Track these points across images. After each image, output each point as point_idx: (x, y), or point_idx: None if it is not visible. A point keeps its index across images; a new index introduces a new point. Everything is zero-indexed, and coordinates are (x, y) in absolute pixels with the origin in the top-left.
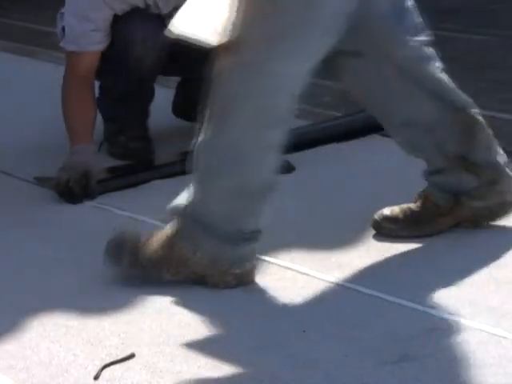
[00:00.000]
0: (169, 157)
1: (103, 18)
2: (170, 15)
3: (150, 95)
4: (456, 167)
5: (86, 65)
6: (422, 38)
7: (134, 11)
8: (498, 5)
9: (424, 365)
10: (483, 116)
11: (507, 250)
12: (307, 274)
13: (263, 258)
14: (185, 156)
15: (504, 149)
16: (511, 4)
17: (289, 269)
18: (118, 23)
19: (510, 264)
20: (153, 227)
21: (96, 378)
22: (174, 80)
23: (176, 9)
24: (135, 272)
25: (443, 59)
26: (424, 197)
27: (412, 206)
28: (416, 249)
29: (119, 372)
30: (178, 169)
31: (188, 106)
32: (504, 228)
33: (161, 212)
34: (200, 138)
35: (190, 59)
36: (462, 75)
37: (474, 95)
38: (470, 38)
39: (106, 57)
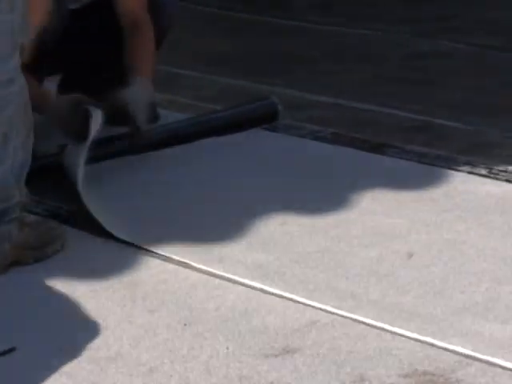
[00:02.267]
0: (48, 149)
1: None
2: None
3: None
4: None
5: None
6: None
7: None
8: None
9: (304, 358)
10: (364, 110)
11: (387, 242)
12: (189, 267)
13: (144, 249)
14: (63, 149)
15: (385, 144)
16: None
17: (170, 261)
18: None
19: (389, 257)
20: None
21: None
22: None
23: None
24: None
25: (324, 53)
26: None
27: None
28: (298, 243)
29: None
30: (57, 161)
31: None
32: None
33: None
34: None
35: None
36: (341, 69)
37: (354, 88)
38: (349, 32)
39: None
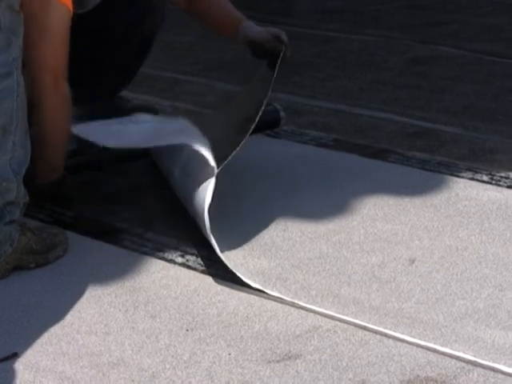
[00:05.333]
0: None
1: None
2: None
3: None
4: None
5: None
6: None
7: None
8: (380, 6)
9: (306, 363)
10: (366, 116)
11: (388, 248)
12: (190, 273)
13: (147, 255)
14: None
15: (387, 150)
16: (392, 6)
17: (172, 267)
18: None
19: (391, 263)
20: None
21: None
22: None
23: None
24: None
25: (326, 59)
26: None
27: None
28: (300, 249)
29: (1, 372)
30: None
31: None
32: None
33: None
34: None
35: None
36: (343, 75)
37: (356, 94)
38: (351, 38)
39: None
